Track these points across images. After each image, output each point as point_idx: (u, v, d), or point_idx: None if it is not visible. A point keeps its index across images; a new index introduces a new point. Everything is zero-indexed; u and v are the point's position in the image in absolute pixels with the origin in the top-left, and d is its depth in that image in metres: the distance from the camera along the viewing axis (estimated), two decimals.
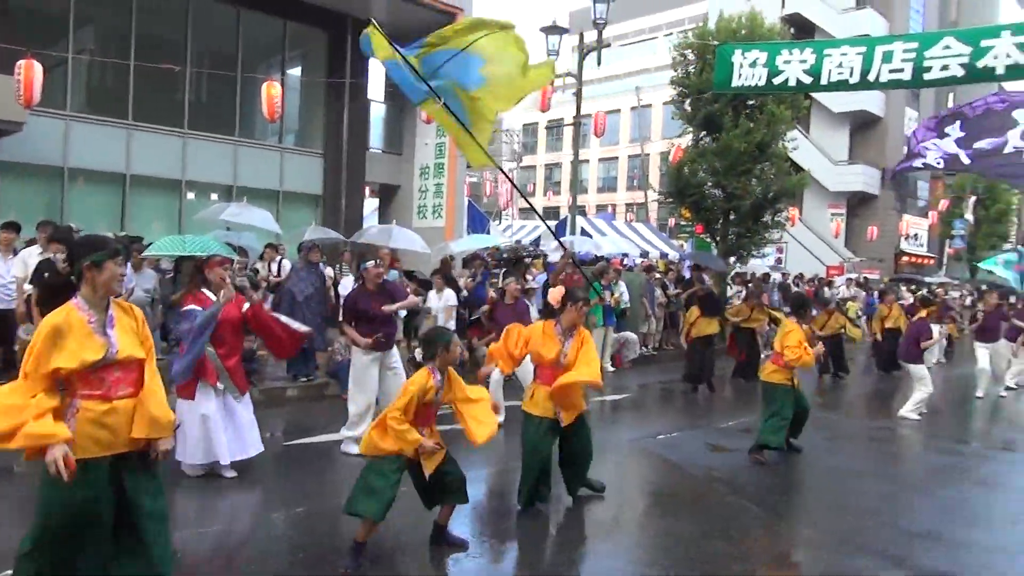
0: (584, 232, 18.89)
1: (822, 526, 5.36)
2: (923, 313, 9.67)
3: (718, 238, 17.18)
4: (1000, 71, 5.54)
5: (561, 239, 8.55)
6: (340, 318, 6.96)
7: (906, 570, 4.52)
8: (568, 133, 42.23)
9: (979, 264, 23.93)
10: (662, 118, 40.09)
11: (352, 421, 6.49)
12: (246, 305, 5.77)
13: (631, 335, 12.62)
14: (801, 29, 30.33)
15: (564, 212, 29.81)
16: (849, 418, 10.03)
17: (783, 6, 32.01)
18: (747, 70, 6.68)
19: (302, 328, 6.00)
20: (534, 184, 48.73)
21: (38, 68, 9.90)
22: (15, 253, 8.17)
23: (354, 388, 6.55)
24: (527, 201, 7.14)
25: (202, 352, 5.43)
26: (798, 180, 17.34)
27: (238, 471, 5.67)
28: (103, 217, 13.17)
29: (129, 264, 8.26)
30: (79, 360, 2.91)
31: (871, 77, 6.16)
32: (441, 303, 9.93)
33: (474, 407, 4.32)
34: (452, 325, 9.53)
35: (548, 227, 9.12)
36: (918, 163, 5.94)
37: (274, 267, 10.76)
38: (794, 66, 6.52)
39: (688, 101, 16.72)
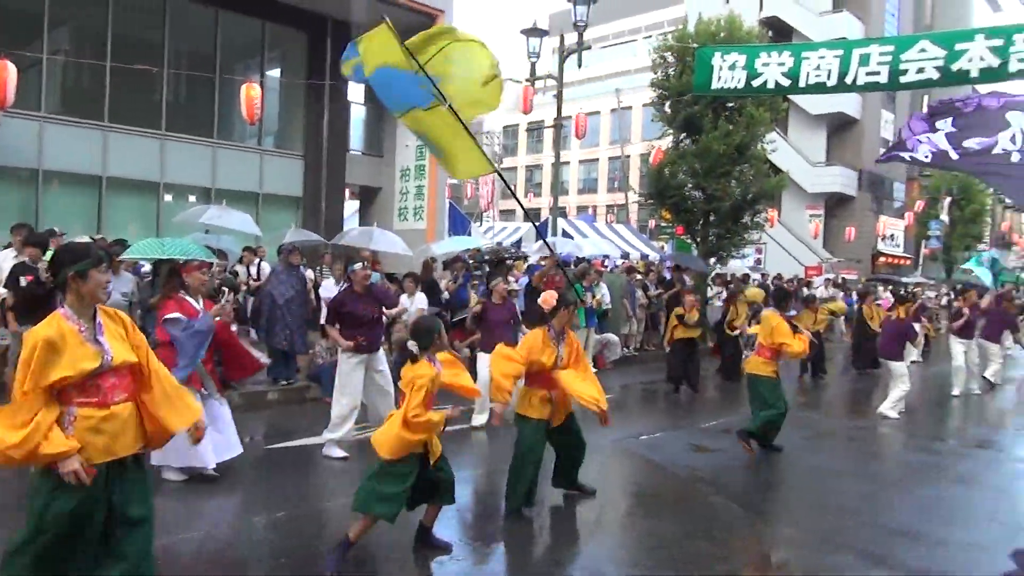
0: (565, 234, 18.92)
1: (804, 525, 5.42)
2: (900, 311, 9.78)
3: (698, 239, 17.27)
4: (974, 74, 5.61)
5: (546, 240, 8.55)
6: (322, 320, 6.92)
7: (887, 568, 4.57)
8: (549, 135, 42.59)
9: (964, 265, 24.24)
10: (642, 120, 40.38)
11: (334, 423, 6.44)
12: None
13: (613, 336, 12.65)
14: (779, 32, 30.55)
15: (545, 214, 29.83)
16: (829, 417, 10.13)
17: (761, 9, 32.28)
18: (727, 73, 6.71)
19: (263, 359, 6.17)
20: (515, 186, 48.79)
21: (12, 68, 9.76)
22: None
23: (339, 391, 6.49)
24: (519, 203, 7.15)
25: (197, 362, 5.48)
26: (777, 182, 17.52)
27: (220, 474, 5.64)
28: (79, 220, 12.97)
29: None
30: (77, 370, 2.92)
31: (848, 80, 6.21)
32: (413, 306, 9.80)
33: (460, 374, 4.59)
34: None
35: (536, 229, 9.14)
36: (906, 155, 5.97)
37: (254, 270, 10.68)
38: (773, 69, 6.56)
39: (668, 103, 16.77)
